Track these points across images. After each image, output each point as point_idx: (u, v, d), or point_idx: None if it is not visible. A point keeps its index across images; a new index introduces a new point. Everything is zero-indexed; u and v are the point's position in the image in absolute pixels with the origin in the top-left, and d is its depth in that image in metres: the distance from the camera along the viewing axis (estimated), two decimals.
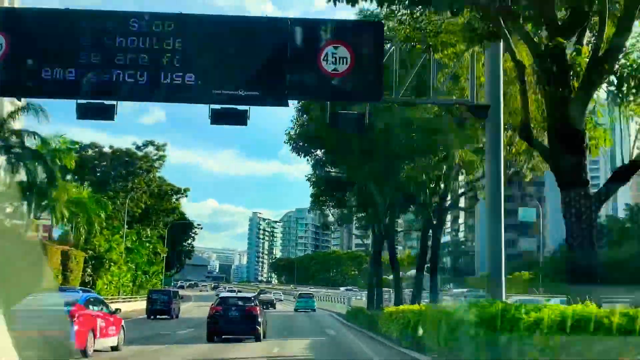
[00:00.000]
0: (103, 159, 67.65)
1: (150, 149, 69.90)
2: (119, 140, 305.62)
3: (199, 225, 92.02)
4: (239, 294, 33.55)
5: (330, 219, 52.15)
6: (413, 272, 43.29)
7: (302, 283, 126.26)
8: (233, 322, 21.96)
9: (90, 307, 16.44)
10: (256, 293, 45.77)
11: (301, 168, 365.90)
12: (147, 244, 59.51)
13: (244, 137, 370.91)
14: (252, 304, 22.92)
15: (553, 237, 72.84)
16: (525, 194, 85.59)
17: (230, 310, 22.29)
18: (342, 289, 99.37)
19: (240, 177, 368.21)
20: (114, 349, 17.56)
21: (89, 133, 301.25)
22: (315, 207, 48.51)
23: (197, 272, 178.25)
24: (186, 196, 78.86)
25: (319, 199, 43.03)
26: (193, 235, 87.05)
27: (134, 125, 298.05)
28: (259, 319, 22.18)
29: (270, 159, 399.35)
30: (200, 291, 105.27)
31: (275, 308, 53.92)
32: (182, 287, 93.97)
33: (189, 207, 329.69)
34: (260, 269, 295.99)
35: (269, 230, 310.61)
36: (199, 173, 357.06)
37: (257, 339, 22.05)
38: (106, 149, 68.59)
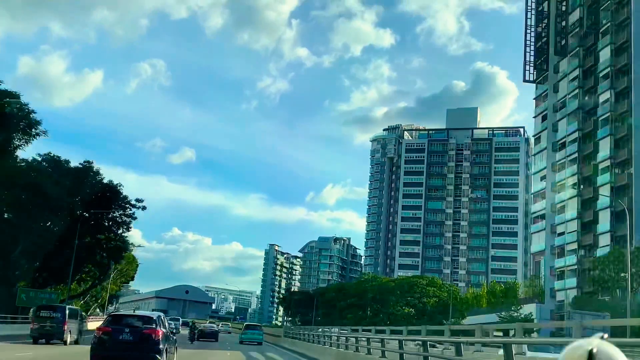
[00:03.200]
0: None
1: None
2: (147, 179, 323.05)
3: (139, 202, 60.67)
4: (138, 312, 22.67)
5: None
6: None
7: (325, 323, 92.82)
8: (125, 348, 17.56)
9: None
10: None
11: (326, 215, 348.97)
12: None
13: (272, 182, 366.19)
14: (153, 325, 18.19)
15: None
16: None
17: (122, 333, 17.81)
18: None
19: (265, 222, 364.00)
20: None
21: (118, 171, 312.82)
22: None
23: (198, 310, 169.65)
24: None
25: None
26: (125, 219, 59.66)
27: (163, 164, 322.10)
28: (160, 346, 17.80)
29: (297, 204, 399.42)
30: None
31: (217, 340, 50.94)
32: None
33: (213, 250, 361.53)
34: (275, 309, 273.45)
35: (288, 266, 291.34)
36: (224, 215, 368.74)
37: None
38: None
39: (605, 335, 1.49)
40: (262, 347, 44.24)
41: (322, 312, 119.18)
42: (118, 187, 58.39)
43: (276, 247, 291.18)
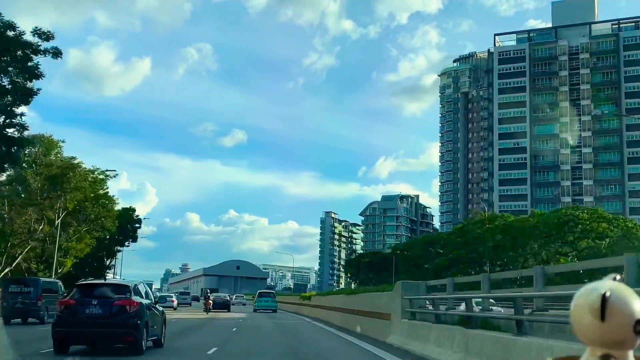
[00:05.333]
0: None
1: None
2: (201, 164, 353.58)
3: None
4: (110, 280, 22.50)
5: None
6: None
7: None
8: (92, 324, 14.12)
9: None
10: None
11: (379, 189, 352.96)
12: None
13: (323, 159, 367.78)
14: (127, 294, 14.71)
15: None
16: None
17: (89, 306, 14.30)
18: None
19: (319, 199, 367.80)
20: None
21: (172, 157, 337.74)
22: None
23: (252, 286, 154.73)
24: None
25: None
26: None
27: (215, 147, 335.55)
28: (138, 320, 14.36)
29: (349, 180, 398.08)
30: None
31: (229, 310, 50.01)
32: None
33: (270, 230, 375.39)
34: (336, 281, 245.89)
35: (347, 234, 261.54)
36: (278, 195, 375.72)
37: (135, 351, 14.31)
38: None
39: (619, 277, 1.38)
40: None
41: (403, 275, 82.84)
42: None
43: (332, 215, 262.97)
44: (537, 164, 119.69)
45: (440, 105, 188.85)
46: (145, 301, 15.38)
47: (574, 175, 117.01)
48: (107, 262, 72.84)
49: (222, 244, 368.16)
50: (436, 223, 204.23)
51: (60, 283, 32.45)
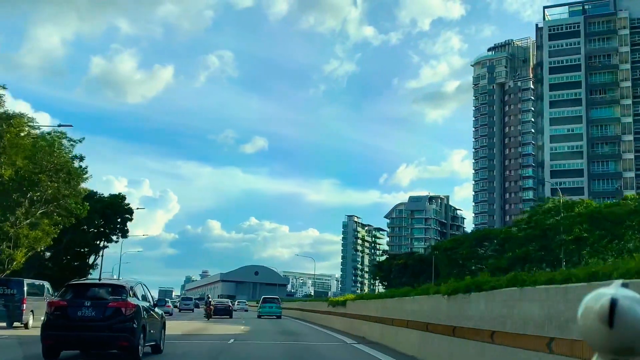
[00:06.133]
0: None
1: None
2: (222, 172, 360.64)
3: None
4: (105, 280, 18.02)
5: None
6: None
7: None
8: (84, 327, 12.98)
9: None
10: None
11: (399, 197, 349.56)
12: None
13: (343, 167, 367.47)
14: (123, 296, 13.54)
15: None
16: None
17: (82, 307, 13.16)
18: None
19: (340, 206, 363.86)
20: None
21: (193, 164, 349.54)
22: None
23: (271, 292, 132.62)
24: None
25: None
26: None
27: (236, 155, 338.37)
28: (134, 324, 13.17)
29: (370, 187, 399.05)
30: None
31: (231, 317, 48.34)
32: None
33: (291, 237, 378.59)
34: (360, 288, 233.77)
35: (370, 239, 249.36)
36: (299, 203, 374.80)
37: (131, 358, 13.35)
38: None
39: (627, 282, 1.36)
40: None
41: (444, 279, 68.40)
42: None
43: (355, 219, 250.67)
44: (595, 152, 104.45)
45: (473, 98, 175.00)
46: (143, 303, 14.22)
47: (638, 166, 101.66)
48: (91, 261, 59.70)
49: (243, 251, 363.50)
50: (468, 226, 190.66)
51: (47, 285, 29.78)
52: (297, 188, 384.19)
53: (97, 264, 59.55)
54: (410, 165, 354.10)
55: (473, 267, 69.79)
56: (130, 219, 60.77)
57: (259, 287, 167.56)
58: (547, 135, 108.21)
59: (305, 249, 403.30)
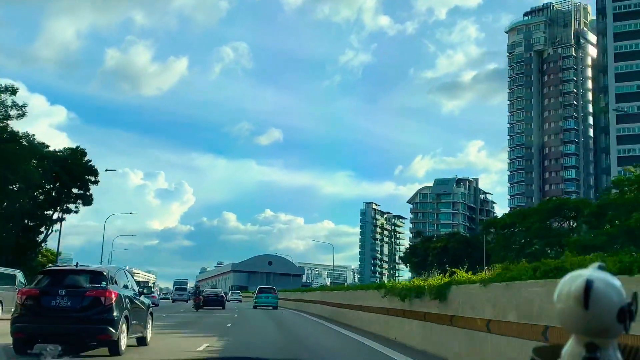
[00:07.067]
0: None
1: None
2: (237, 164, 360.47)
3: None
4: (83, 266, 14.29)
5: None
6: None
7: None
8: (59, 318, 11.81)
9: None
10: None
11: (415, 188, 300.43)
12: None
13: (358, 158, 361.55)
14: (102, 283, 12.32)
15: None
16: None
17: (56, 296, 12.03)
18: None
19: (355, 198, 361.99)
20: None
21: (208, 156, 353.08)
22: None
23: (286, 283, 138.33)
24: None
25: None
26: None
27: (251, 147, 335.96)
28: (115, 314, 12.06)
29: (385, 179, 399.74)
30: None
31: (224, 307, 45.81)
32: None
33: (306, 229, 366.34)
34: (379, 279, 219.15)
35: (390, 227, 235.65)
36: (314, 195, 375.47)
37: (111, 351, 12.17)
38: None
39: (603, 265, 1.38)
40: None
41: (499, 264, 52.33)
42: None
43: (374, 206, 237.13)
44: None
45: (508, 68, 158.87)
46: (125, 292, 13.11)
47: None
48: (44, 233, 44.30)
49: (259, 243, 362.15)
50: (498, 211, 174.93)
51: (20, 274, 28.01)
52: (312, 180, 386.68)
53: (48, 236, 44.19)
54: (426, 156, 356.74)
55: (536, 247, 54.12)
56: (96, 182, 45.14)
57: (273, 278, 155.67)
58: (611, 94, 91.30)
59: (320, 240, 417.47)
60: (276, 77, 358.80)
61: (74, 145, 44.23)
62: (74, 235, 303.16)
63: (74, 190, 42.61)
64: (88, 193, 43.96)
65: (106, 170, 46.38)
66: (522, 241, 54.44)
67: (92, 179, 43.76)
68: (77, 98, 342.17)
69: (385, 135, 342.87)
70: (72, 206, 43.37)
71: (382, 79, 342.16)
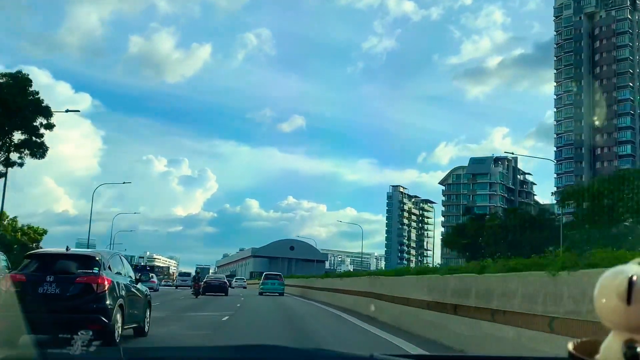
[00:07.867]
0: None
1: None
2: (259, 151, 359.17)
3: None
4: (73, 251, 13.02)
5: None
6: None
7: None
8: (47, 306, 10.86)
9: None
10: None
11: (438, 176, 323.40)
12: None
13: (381, 146, 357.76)
14: (94, 269, 11.57)
15: None
16: None
17: (44, 283, 11.20)
18: None
19: (377, 186, 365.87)
20: None
21: (231, 143, 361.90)
22: None
23: (308, 270, 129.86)
24: None
25: None
26: None
27: (274, 134, 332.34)
28: (107, 302, 11.36)
29: (408, 167, 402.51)
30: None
31: (226, 294, 45.52)
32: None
33: (328, 216, 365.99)
34: (406, 265, 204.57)
35: (418, 212, 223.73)
36: (336, 182, 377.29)
37: (105, 342, 9.99)
38: None
39: None
40: None
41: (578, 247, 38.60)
42: None
43: (401, 189, 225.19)
44: None
45: (554, 33, 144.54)
46: (120, 279, 12.35)
47: None
48: None
49: (281, 230, 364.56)
50: (540, 193, 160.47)
51: (3, 257, 24.63)
52: (335, 167, 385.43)
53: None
54: (450, 143, 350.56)
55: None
56: (49, 126, 32.01)
57: (294, 264, 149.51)
58: None
59: (343, 227, 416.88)
60: (299, 64, 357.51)
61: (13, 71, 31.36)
62: (100, 222, 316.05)
63: (17, 135, 30.03)
64: (40, 141, 31.17)
65: (67, 111, 33.64)
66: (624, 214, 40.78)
67: (44, 120, 30.95)
68: (101, 85, 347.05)
69: (409, 122, 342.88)
70: (14, 156, 30.73)
71: (406, 65, 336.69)
